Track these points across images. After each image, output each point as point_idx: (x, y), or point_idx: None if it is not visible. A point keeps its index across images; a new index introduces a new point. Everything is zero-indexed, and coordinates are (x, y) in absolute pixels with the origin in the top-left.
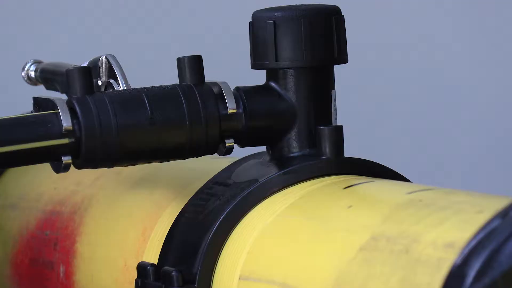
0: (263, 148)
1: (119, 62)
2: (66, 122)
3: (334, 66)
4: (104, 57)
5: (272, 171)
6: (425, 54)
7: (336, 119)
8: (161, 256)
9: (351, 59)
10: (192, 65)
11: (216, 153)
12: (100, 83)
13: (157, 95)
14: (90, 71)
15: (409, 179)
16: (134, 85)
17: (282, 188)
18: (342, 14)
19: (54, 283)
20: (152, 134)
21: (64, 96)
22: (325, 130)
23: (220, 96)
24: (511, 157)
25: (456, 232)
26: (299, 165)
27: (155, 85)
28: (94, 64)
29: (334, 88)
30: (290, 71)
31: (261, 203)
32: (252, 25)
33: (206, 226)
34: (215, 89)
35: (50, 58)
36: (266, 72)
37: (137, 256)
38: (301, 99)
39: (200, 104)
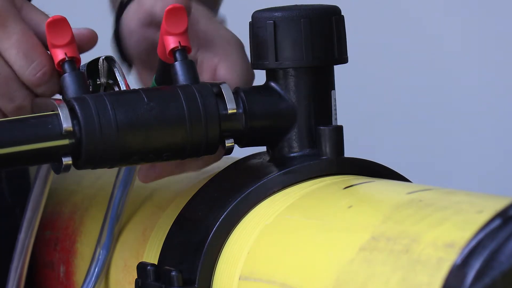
0: (263, 148)
1: (118, 63)
2: (66, 123)
3: (334, 66)
4: (103, 58)
5: (272, 171)
6: (425, 53)
7: (336, 119)
8: (161, 256)
9: (351, 59)
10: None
11: (216, 153)
12: (99, 84)
13: (157, 95)
14: (84, 76)
15: (409, 179)
16: (134, 85)
17: (282, 188)
18: (342, 14)
19: (54, 283)
20: (152, 134)
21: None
22: (325, 130)
23: (220, 96)
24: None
25: (456, 232)
26: (299, 165)
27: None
28: (93, 65)
29: (334, 88)
30: (290, 71)
31: (261, 203)
32: (252, 25)
33: (206, 226)
34: (215, 89)
35: None
36: (266, 72)
37: (137, 256)
38: (301, 99)
39: (200, 104)
